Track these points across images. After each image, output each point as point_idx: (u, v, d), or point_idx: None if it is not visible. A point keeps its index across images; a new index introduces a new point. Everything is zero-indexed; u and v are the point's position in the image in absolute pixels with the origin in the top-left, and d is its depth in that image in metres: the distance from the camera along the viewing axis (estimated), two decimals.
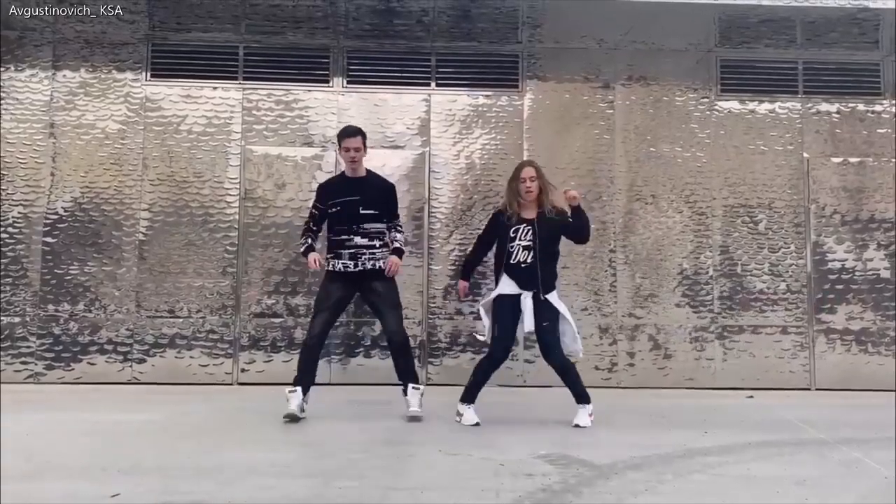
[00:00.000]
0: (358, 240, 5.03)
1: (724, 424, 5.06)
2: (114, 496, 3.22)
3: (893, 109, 7.09)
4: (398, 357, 5.13)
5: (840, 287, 6.93)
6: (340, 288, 5.07)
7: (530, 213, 4.99)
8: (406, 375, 5.12)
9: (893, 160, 7.02)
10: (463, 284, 5.33)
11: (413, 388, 5.09)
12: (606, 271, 6.88)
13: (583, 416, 4.95)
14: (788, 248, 6.95)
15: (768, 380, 6.76)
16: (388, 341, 5.19)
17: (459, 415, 5.00)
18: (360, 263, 5.02)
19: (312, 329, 5.04)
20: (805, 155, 7.04)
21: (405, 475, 3.70)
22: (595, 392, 6.54)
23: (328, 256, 5.13)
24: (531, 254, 4.89)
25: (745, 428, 4.94)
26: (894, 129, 7.06)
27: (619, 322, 6.84)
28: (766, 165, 7.02)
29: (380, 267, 5.05)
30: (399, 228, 5.26)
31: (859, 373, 6.82)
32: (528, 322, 4.85)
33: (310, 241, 5.19)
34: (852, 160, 7.04)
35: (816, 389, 6.78)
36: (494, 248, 5.14)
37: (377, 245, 5.06)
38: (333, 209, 5.08)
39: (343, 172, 5.33)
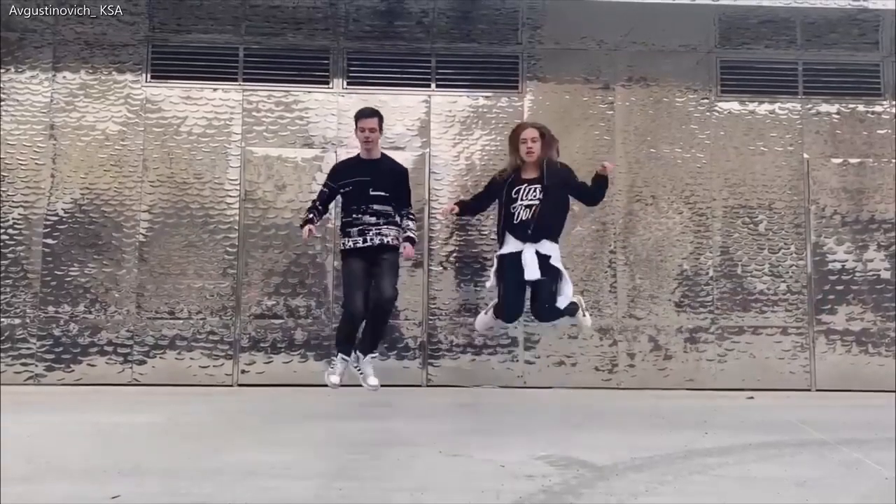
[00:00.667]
0: (366, 218, 5.20)
1: (725, 425, 5.06)
2: (114, 498, 3.21)
3: (893, 110, 7.09)
4: (375, 321, 5.22)
5: (840, 288, 6.93)
6: (359, 262, 5.19)
7: (531, 173, 4.99)
8: (373, 343, 5.27)
9: (893, 161, 7.02)
10: (451, 206, 5.47)
11: (371, 357, 5.28)
12: (606, 272, 6.88)
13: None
14: (788, 248, 6.95)
15: (768, 381, 6.76)
16: (374, 303, 5.20)
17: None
18: (367, 239, 5.18)
19: (354, 305, 5.12)
20: (805, 156, 7.04)
21: (405, 476, 3.70)
22: (595, 393, 6.59)
23: (341, 235, 5.29)
24: (531, 212, 4.88)
25: (746, 429, 4.93)
26: (894, 129, 7.06)
27: (619, 323, 6.84)
28: (767, 166, 7.02)
29: (387, 242, 5.19)
30: (412, 217, 5.38)
31: (860, 374, 6.81)
32: (528, 272, 4.82)
33: (311, 216, 5.32)
34: (852, 161, 7.04)
35: (817, 390, 6.78)
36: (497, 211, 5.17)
37: (382, 223, 5.20)
38: (345, 189, 5.27)
39: (359, 154, 5.40)
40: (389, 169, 5.34)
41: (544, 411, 5.38)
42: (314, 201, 5.45)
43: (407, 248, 5.21)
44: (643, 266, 6.90)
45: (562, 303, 5.00)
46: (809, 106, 7.10)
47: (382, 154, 5.43)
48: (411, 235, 5.27)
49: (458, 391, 6.45)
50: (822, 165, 7.04)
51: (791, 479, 3.64)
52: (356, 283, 5.18)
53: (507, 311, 4.96)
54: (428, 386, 6.67)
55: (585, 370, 6.78)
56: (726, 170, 7.01)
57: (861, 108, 7.11)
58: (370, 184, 5.17)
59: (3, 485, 3.32)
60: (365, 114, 5.29)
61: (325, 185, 5.45)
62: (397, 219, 5.34)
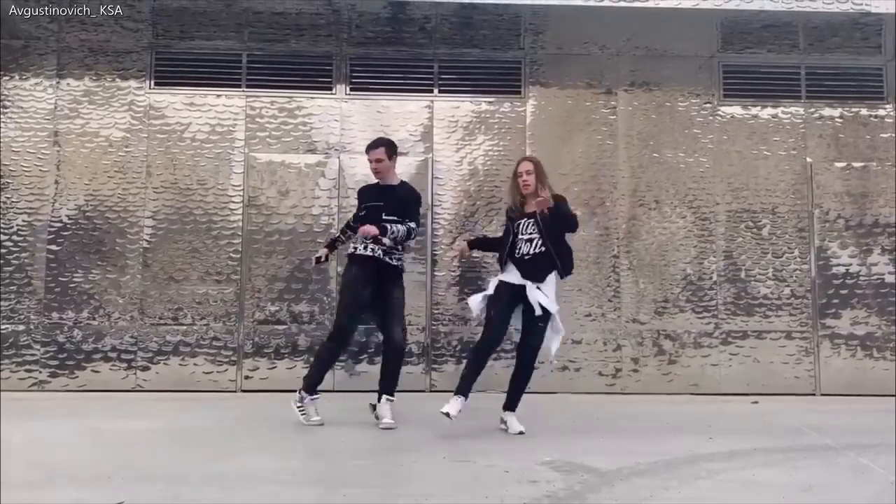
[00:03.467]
0: (383, 239, 5.19)
1: (729, 430, 5.05)
2: None
3: None
4: (392, 364, 5.21)
5: (844, 292, 6.91)
6: (368, 279, 5.16)
7: (532, 207, 5.01)
8: (390, 385, 5.18)
9: None
10: (462, 244, 5.45)
11: (388, 399, 5.15)
12: (610, 277, 6.87)
13: (514, 422, 4.92)
14: (792, 252, 6.94)
15: (773, 385, 6.75)
16: (389, 347, 5.23)
17: (447, 414, 4.71)
18: (378, 256, 5.16)
19: (341, 323, 5.15)
20: (808, 160, 7.04)
21: (410, 482, 3.69)
22: (599, 398, 6.57)
23: (356, 244, 5.27)
24: (532, 246, 4.89)
25: (750, 433, 4.92)
26: None
27: (623, 328, 6.83)
28: (770, 170, 7.02)
29: (397, 266, 5.22)
30: (409, 226, 5.22)
31: (864, 378, 6.80)
32: (538, 305, 4.81)
33: (338, 234, 5.62)
34: (855, 165, 7.04)
35: (821, 395, 6.76)
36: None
37: (399, 248, 5.24)
38: (362, 213, 5.31)
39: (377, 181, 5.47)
40: (402, 193, 5.36)
41: (548, 417, 5.37)
42: (349, 221, 5.51)
43: (365, 227, 5.04)
44: (647, 270, 6.89)
45: (552, 347, 4.99)
46: (812, 110, 7.10)
47: (401, 181, 5.46)
48: (387, 227, 5.09)
49: None
50: (826, 169, 7.03)
51: (796, 484, 3.63)
52: (358, 303, 5.14)
53: (494, 331, 4.92)
54: (431, 391, 6.66)
55: (589, 376, 6.77)
56: (729, 174, 7.00)
57: (864, 111, 7.10)
58: (383, 209, 5.22)
59: (8, 491, 3.32)
60: (369, 146, 5.34)
61: (357, 209, 5.49)
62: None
